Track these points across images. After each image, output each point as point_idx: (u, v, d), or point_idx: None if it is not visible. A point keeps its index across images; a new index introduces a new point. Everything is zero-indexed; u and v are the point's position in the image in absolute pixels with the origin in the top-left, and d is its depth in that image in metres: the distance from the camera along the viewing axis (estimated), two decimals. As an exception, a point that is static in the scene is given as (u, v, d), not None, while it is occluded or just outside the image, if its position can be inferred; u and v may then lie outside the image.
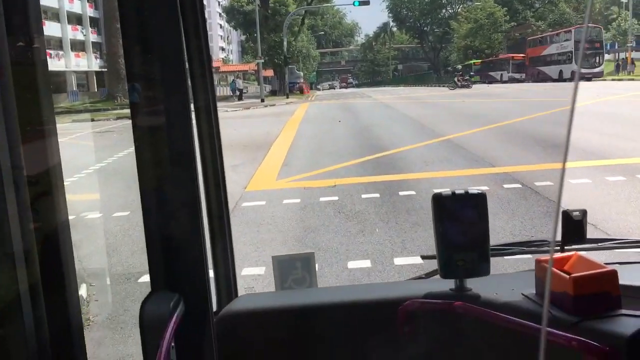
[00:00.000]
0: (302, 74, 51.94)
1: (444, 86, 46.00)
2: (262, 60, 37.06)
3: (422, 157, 9.62)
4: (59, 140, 0.74)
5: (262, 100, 32.71)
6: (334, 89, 67.44)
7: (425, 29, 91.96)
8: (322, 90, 76.81)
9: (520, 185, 6.89)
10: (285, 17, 41.81)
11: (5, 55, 0.66)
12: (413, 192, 6.86)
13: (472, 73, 42.84)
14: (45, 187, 0.72)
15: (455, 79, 40.03)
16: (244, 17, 50.20)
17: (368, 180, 7.93)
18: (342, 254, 4.80)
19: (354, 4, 36.56)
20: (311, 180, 8.19)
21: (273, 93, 42.00)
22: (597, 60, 36.04)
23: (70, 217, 0.77)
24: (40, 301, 0.70)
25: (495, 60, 50.08)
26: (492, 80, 47.34)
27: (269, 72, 49.20)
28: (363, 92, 47.58)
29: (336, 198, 6.85)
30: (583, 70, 33.19)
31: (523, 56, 44.31)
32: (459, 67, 48.19)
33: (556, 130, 11.67)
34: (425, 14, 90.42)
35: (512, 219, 5.51)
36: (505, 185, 6.92)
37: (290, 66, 50.10)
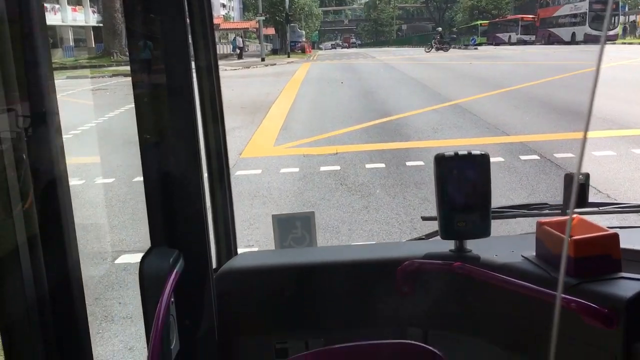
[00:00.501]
0: (304, 32, 50.68)
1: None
2: (263, 18, 35.88)
3: (429, 123, 9.02)
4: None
5: (263, 59, 31.76)
6: (336, 48, 65.86)
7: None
8: (325, 50, 75.36)
9: (538, 157, 6.34)
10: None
11: (3, 11, 0.67)
12: (421, 163, 6.31)
13: (474, 37, 41.12)
14: (42, 139, 0.71)
15: (433, 41, 38.56)
16: None
17: (372, 148, 7.38)
18: (344, 234, 4.30)
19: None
20: (311, 146, 7.64)
21: (274, 52, 40.85)
22: (613, 22, 34.71)
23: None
24: (38, 253, 0.71)
25: (503, 21, 48.34)
26: (499, 42, 45.81)
27: (271, 31, 47.94)
28: (366, 53, 46.35)
29: (338, 168, 6.32)
30: (597, 33, 31.97)
31: (533, 17, 42.71)
32: (439, 29, 44.58)
33: (571, 96, 11.04)
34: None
35: (532, 196, 4.99)
36: (522, 157, 6.38)
37: (292, 24, 48.85)
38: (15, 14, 0.68)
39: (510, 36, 45.00)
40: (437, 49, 37.01)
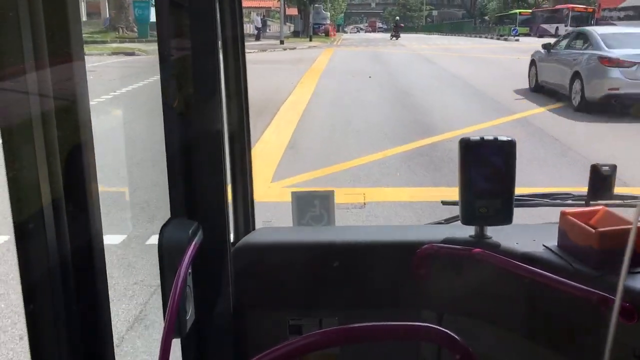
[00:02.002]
0: (328, 14, 47.57)
1: (484, 37, 41.40)
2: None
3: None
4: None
5: (282, 42, 28.90)
6: (359, 32, 62.27)
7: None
8: (350, 33, 72.23)
9: None
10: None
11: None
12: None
13: (515, 27, 37.13)
14: (69, 107, 0.73)
15: (392, 30, 42.99)
16: None
17: (419, 197, 4.70)
18: None
19: None
20: (326, 184, 4.96)
21: (296, 34, 37.81)
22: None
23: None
24: (62, 214, 0.72)
25: (550, 11, 44.21)
26: (544, 34, 41.78)
27: (294, 11, 44.93)
28: (394, 39, 43.31)
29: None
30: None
31: (585, 8, 38.91)
32: (398, 18, 48.56)
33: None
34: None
35: None
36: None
37: (316, 5, 45.84)
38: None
39: (557, 27, 40.77)
40: (392, 36, 41.57)
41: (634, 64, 8.49)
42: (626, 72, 8.52)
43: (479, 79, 13.76)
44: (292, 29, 43.05)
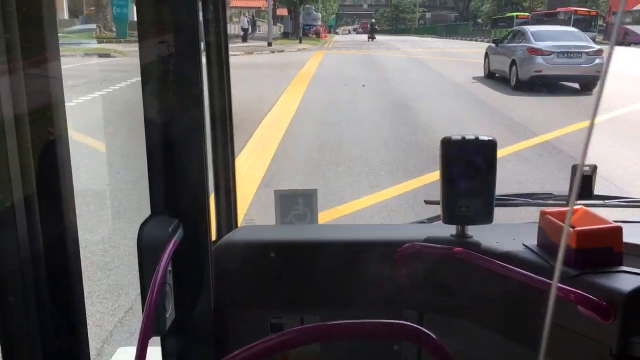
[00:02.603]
0: (320, 15, 46.15)
1: (479, 40, 40.05)
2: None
3: (524, 184, 4.88)
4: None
5: (270, 44, 27.49)
6: (350, 33, 61.56)
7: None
8: (342, 35, 71.13)
9: None
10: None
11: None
12: None
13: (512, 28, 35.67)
14: (44, 106, 0.73)
15: (369, 32, 45.96)
16: None
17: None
18: None
19: None
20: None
21: (285, 35, 36.31)
22: None
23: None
24: (34, 209, 0.71)
25: (550, 14, 42.64)
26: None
27: (285, 12, 43.47)
28: (387, 42, 41.78)
29: None
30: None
31: (588, 11, 37.34)
32: (373, 21, 51.77)
33: None
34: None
35: None
36: None
37: (307, 6, 44.49)
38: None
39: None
40: (368, 38, 43.44)
41: (552, 52, 11.80)
42: (547, 59, 11.81)
43: (483, 88, 12.45)
44: (282, 29, 41.55)
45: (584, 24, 34.19)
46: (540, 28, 14.58)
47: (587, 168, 1.36)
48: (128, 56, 15.74)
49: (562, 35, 13.07)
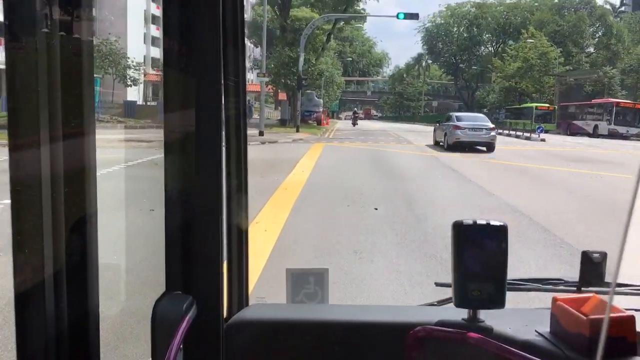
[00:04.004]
0: (322, 101, 43.17)
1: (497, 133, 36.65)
2: (267, 79, 28.14)
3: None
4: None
5: (261, 134, 23.75)
6: (356, 119, 59.72)
7: (461, 65, 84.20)
8: (345, 119, 69.14)
9: None
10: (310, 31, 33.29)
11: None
12: None
13: (540, 125, 31.20)
14: (77, 181, 0.76)
15: (352, 118, 51.44)
16: (267, 35, 44.00)
17: None
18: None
19: (397, 16, 27.75)
20: None
21: (282, 122, 32.82)
22: None
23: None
24: (62, 290, 0.74)
25: (584, 105, 39.59)
26: (577, 132, 37.24)
27: (285, 96, 40.50)
28: (395, 131, 38.32)
29: None
30: None
31: (633, 103, 33.95)
32: (356, 109, 58.03)
33: None
34: (463, 49, 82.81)
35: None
36: None
37: (308, 91, 41.54)
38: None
39: (596, 125, 35.84)
40: (353, 124, 48.01)
41: (466, 128, 20.28)
42: (462, 131, 20.30)
43: (553, 216, 7.79)
44: (280, 115, 38.25)
45: (630, 118, 30.86)
46: (461, 114, 22.98)
47: (597, 255, 1.37)
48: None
49: (473, 118, 21.83)
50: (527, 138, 29.16)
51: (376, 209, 8.48)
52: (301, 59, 28.93)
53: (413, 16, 27.69)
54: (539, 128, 28.97)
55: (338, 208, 8.57)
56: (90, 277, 0.77)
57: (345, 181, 11.63)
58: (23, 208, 0.71)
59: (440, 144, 21.96)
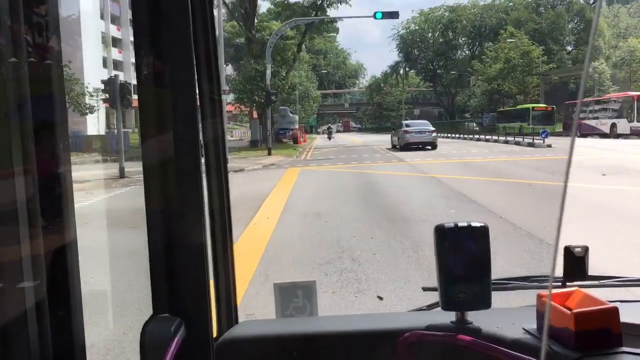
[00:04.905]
0: (296, 117, 39.72)
1: (491, 140, 33.20)
2: (227, 94, 24.53)
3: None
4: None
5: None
6: (330, 135, 56.63)
7: (439, 71, 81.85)
8: (322, 133, 66.75)
9: None
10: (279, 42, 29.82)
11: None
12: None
13: (545, 130, 27.35)
14: (54, 209, 0.75)
15: (328, 131, 54.15)
16: (235, 50, 43.54)
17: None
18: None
19: (375, 16, 24.45)
20: None
21: (254, 144, 29.05)
22: None
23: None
24: (45, 321, 0.73)
25: (599, 102, 34.94)
26: (588, 133, 32.88)
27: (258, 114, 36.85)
28: (378, 145, 34.77)
29: None
30: None
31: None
32: (330, 125, 60.81)
33: None
34: (439, 54, 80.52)
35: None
36: None
37: (282, 107, 38.12)
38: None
39: (614, 124, 31.26)
40: (328, 138, 49.55)
41: (413, 132, 26.87)
42: (410, 135, 26.76)
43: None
44: (250, 136, 34.53)
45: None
46: (409, 121, 29.82)
47: (579, 249, 1.37)
48: None
49: (418, 124, 28.54)
50: (530, 144, 25.77)
51: (381, 298, 4.98)
52: (268, 71, 25.20)
53: (392, 15, 24.44)
54: (543, 132, 25.18)
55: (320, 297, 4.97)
56: (73, 306, 0.76)
57: (327, 235, 7.94)
58: (0, 241, 0.71)
59: (395, 145, 28.75)
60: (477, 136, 38.08)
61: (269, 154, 24.40)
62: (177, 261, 0.99)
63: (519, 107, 46.01)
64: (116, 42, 61.79)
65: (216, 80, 1.18)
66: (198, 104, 1.03)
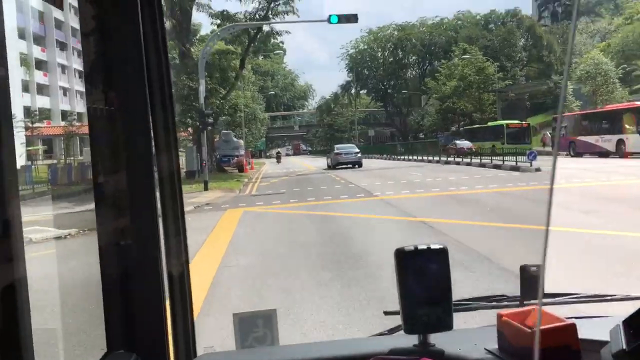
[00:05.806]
0: (242, 142, 35.33)
1: (462, 163, 29.80)
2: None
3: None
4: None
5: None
6: (279, 159, 53.34)
7: (389, 91, 79.39)
8: (272, 157, 62.93)
9: None
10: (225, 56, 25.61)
11: None
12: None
13: (533, 151, 22.19)
14: (2, 247, 0.72)
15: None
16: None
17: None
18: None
19: (330, 20, 20.59)
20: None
21: (190, 175, 24.50)
22: None
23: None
24: None
25: (598, 115, 29.91)
26: (584, 151, 28.56)
27: (197, 140, 32.17)
28: (337, 173, 31.07)
29: None
30: None
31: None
32: (279, 150, 64.13)
33: None
34: (389, 73, 78.14)
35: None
36: None
37: (225, 131, 33.71)
38: None
39: (621, 140, 25.78)
40: (277, 162, 51.88)
41: (342, 153, 34.69)
42: (340, 156, 34.45)
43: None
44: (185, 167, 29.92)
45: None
46: (339, 145, 37.73)
47: (534, 268, 1.38)
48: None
49: (347, 147, 35.96)
50: (514, 168, 22.22)
51: None
52: (202, 87, 20.61)
53: (350, 19, 20.69)
54: (530, 153, 21.08)
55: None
56: (23, 345, 0.73)
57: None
58: None
59: (329, 165, 35.15)
60: (443, 158, 34.57)
61: (206, 188, 19.81)
62: (132, 295, 0.94)
63: (490, 124, 42.95)
64: (41, 64, 55.98)
65: (170, 108, 1.11)
66: (152, 135, 0.97)
